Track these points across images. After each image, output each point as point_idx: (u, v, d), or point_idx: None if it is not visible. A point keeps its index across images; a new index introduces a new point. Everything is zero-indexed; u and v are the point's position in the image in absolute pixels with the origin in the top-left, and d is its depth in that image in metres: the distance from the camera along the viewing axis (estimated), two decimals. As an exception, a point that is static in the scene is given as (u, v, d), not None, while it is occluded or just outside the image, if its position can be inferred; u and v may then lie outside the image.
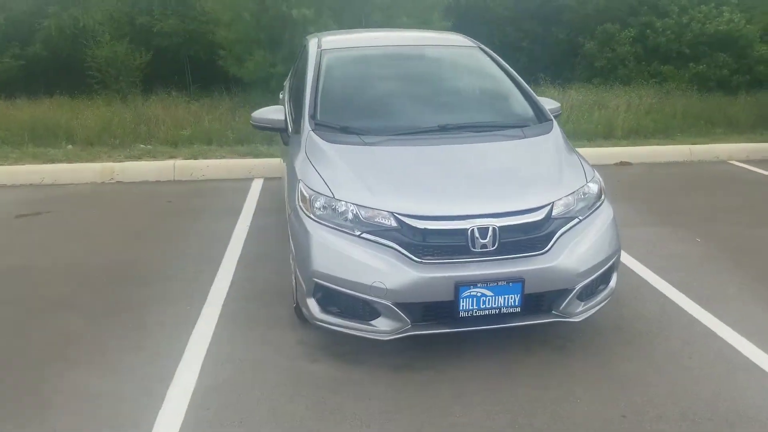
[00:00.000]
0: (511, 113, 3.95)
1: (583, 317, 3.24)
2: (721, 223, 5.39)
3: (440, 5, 10.34)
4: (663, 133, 8.49)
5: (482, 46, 4.57)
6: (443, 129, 3.64)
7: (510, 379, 3.13)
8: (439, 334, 3.14)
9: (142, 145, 7.92)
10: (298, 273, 3.28)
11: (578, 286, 3.13)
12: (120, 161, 6.91)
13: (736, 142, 7.94)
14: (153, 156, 7.10)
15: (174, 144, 7.87)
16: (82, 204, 6.01)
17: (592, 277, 3.18)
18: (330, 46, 4.32)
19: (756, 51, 11.19)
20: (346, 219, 3.11)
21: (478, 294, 2.99)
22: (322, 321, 3.19)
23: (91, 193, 6.34)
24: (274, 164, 6.77)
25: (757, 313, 3.81)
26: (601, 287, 3.32)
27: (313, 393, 3.03)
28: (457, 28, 10.64)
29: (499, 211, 3.06)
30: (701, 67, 11.08)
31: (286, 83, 5.77)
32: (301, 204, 3.26)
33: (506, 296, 3.02)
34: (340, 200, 3.14)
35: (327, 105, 3.80)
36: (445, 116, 3.78)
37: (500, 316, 3.08)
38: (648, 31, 11.40)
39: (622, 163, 7.43)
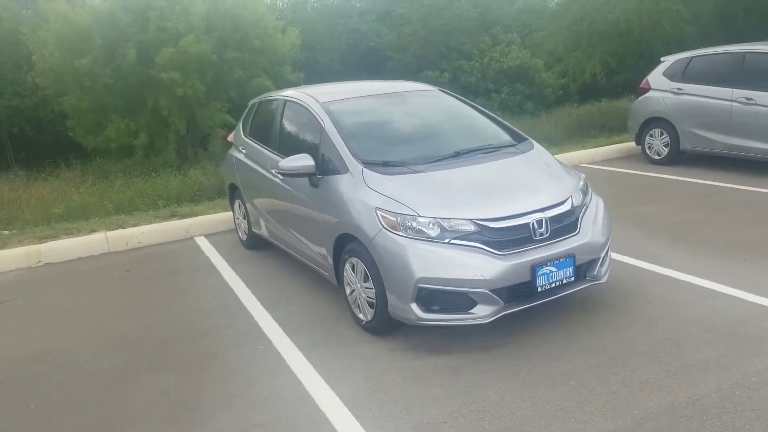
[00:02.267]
0: (497, 137, 4.84)
1: (606, 278, 4.22)
2: (616, 208, 6.78)
3: (287, 60, 11.09)
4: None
5: (441, 89, 5.48)
6: (458, 154, 4.42)
7: (572, 336, 3.97)
8: (518, 311, 3.87)
9: (5, 231, 7.49)
10: (389, 287, 3.81)
11: (602, 254, 4.12)
12: (32, 244, 6.49)
13: (569, 152, 9.75)
14: (69, 233, 6.76)
15: (46, 222, 7.57)
16: (36, 288, 5.65)
17: (608, 246, 4.20)
18: (327, 99, 4.87)
19: (541, 78, 13.71)
20: (433, 231, 3.75)
21: (548, 271, 3.82)
22: (425, 320, 3.77)
23: (31, 277, 5.93)
24: (214, 220, 6.91)
25: (689, 261, 5.08)
26: (606, 256, 4.34)
27: (442, 380, 3.56)
28: (303, 81, 11.50)
29: (545, 206, 3.94)
30: (503, 95, 13.25)
31: (243, 140, 6.04)
32: (387, 227, 3.81)
33: (565, 269, 3.90)
34: (426, 217, 3.77)
35: (359, 146, 4.37)
36: (453, 144, 4.56)
37: (561, 287, 3.93)
38: (460, 72, 13.31)
39: None
